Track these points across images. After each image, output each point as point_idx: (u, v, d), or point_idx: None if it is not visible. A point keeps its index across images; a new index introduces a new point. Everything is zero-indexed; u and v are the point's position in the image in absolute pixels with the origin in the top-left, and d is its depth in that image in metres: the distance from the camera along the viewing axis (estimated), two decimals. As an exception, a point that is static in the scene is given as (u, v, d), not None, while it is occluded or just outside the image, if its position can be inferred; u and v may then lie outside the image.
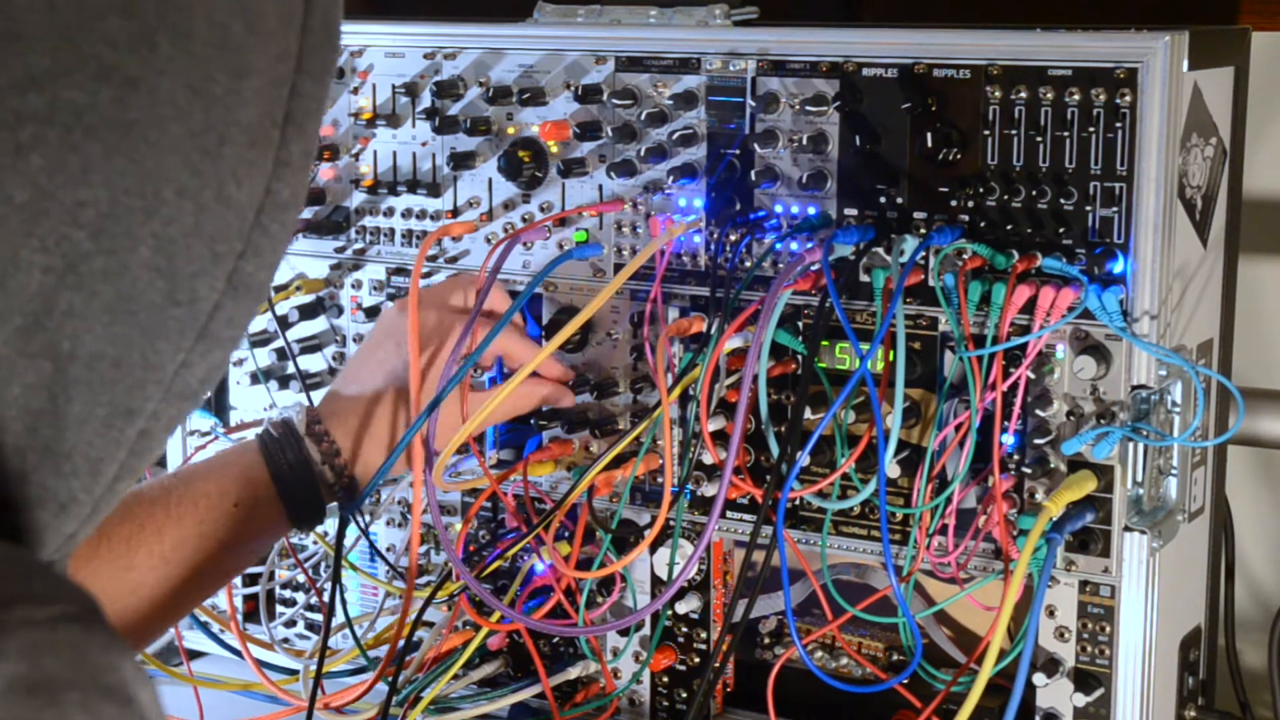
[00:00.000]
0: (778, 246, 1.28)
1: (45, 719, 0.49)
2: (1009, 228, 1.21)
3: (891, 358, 1.23)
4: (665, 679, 1.42)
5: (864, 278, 1.26)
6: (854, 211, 1.27)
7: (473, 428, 1.26)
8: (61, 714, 0.50)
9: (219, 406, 1.61)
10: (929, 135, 1.22)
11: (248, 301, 0.60)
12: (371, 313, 1.50)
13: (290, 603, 1.61)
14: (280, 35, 0.59)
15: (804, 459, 1.25)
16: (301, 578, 1.57)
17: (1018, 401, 1.21)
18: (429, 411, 1.24)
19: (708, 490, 1.34)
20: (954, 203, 1.23)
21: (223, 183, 0.58)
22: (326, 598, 1.47)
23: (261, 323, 1.54)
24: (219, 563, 1.21)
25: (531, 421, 1.40)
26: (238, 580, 1.59)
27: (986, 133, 1.21)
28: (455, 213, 1.45)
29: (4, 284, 0.54)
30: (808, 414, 1.25)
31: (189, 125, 0.56)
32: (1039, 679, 1.24)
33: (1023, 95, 1.19)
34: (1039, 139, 1.19)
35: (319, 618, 1.57)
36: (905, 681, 1.28)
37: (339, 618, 1.46)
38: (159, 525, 1.18)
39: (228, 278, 0.59)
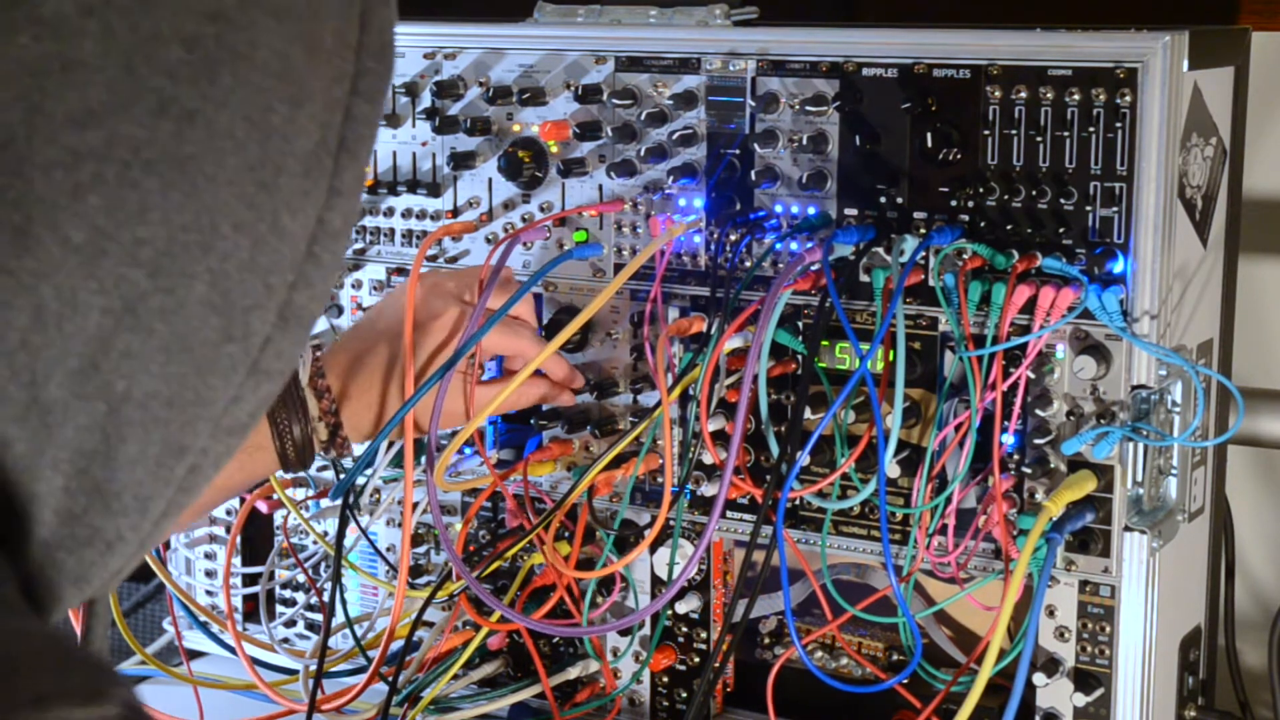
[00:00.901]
0: (778, 246, 1.28)
1: None
2: (1009, 228, 1.21)
3: (891, 358, 1.23)
4: (665, 679, 1.42)
5: (864, 278, 1.26)
6: (854, 211, 1.27)
7: (473, 428, 1.26)
8: None
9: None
10: (929, 135, 1.22)
11: (298, 333, 0.59)
12: (371, 313, 1.50)
13: (290, 603, 1.61)
14: (336, 56, 0.58)
15: (804, 459, 1.25)
16: (301, 578, 1.57)
17: (1018, 401, 1.21)
18: (417, 397, 1.24)
19: (708, 490, 1.34)
20: (954, 203, 1.23)
21: (277, 214, 0.56)
22: (326, 598, 1.48)
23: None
24: (205, 502, 1.21)
25: (531, 421, 1.40)
26: (238, 580, 1.59)
27: (986, 133, 1.21)
28: (455, 213, 1.45)
29: (61, 327, 0.53)
30: (808, 414, 1.25)
31: (246, 158, 0.55)
32: (1039, 679, 1.24)
33: (1023, 95, 1.19)
34: (1039, 139, 1.19)
35: (319, 618, 1.57)
36: (905, 681, 1.28)
37: (339, 618, 1.46)
38: None
39: (279, 310, 0.58)
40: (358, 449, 1.31)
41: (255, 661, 1.46)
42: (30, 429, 0.54)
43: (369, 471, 1.46)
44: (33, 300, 0.52)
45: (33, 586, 0.56)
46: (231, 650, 1.50)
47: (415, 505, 1.47)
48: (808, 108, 1.27)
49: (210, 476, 0.60)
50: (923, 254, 1.23)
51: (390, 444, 1.38)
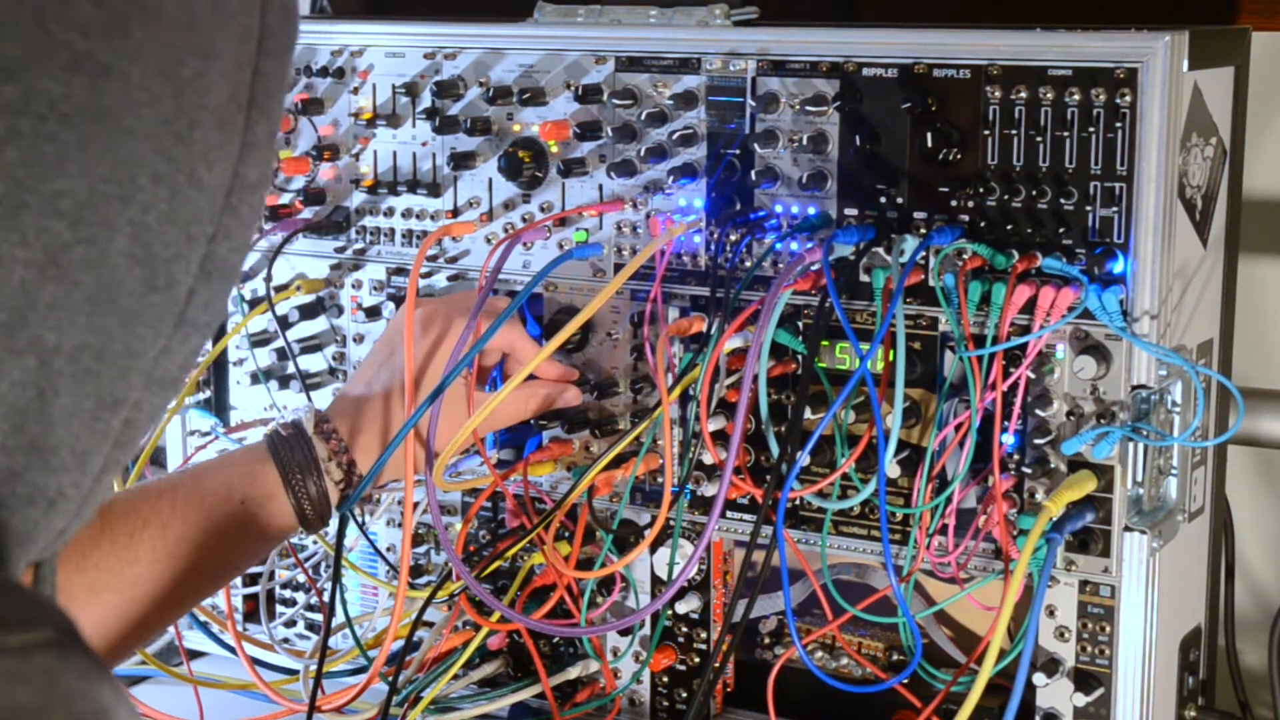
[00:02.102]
0: (778, 246, 1.28)
1: None
2: (1009, 228, 1.21)
3: (891, 358, 1.23)
4: (665, 679, 1.42)
5: (864, 278, 1.26)
6: (854, 211, 1.27)
7: (473, 427, 1.26)
8: None
9: (219, 406, 1.61)
10: (929, 135, 1.22)
11: (221, 284, 0.61)
12: (372, 313, 1.50)
13: (290, 603, 1.61)
14: (242, 13, 0.59)
15: (804, 459, 1.25)
16: (301, 578, 1.57)
17: (1018, 401, 1.21)
18: (424, 408, 1.24)
19: (708, 490, 1.34)
20: (954, 203, 1.23)
21: (194, 167, 0.58)
22: (326, 598, 1.48)
23: (261, 323, 1.54)
24: (222, 560, 1.21)
25: (531, 422, 1.40)
26: (238, 580, 1.59)
27: (986, 133, 1.21)
28: (455, 213, 1.45)
29: None
30: (808, 414, 1.25)
31: (161, 111, 0.56)
32: (1039, 679, 1.24)
33: (1023, 95, 1.19)
34: (1039, 139, 1.19)
35: (319, 618, 1.57)
36: (905, 681, 1.28)
37: (339, 618, 1.46)
38: (164, 520, 1.17)
39: (201, 262, 0.59)
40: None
41: (255, 661, 1.46)
42: None
43: (384, 496, 1.47)
44: None
45: None
46: (231, 650, 1.50)
47: (415, 505, 1.47)
48: (808, 108, 1.27)
49: (145, 430, 0.61)
50: (923, 254, 1.23)
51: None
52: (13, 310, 0.54)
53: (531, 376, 1.31)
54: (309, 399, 1.51)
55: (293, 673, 1.50)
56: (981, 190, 1.22)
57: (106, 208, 0.56)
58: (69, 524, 0.60)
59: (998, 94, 1.20)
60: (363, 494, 1.25)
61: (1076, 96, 1.17)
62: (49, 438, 0.57)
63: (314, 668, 1.37)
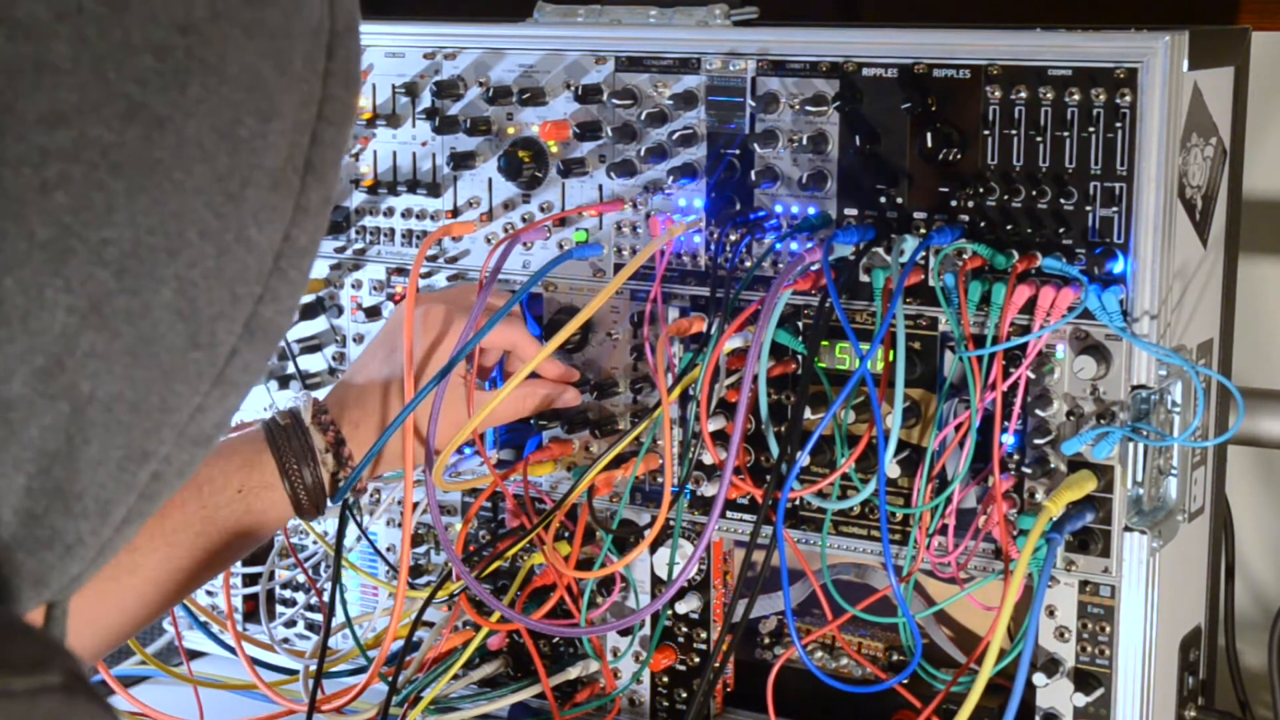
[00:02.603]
0: (778, 246, 1.28)
1: None
2: (1009, 228, 1.21)
3: (891, 358, 1.23)
4: (665, 679, 1.42)
5: (864, 278, 1.26)
6: (854, 211, 1.27)
7: (473, 426, 1.26)
8: None
9: (219, 406, 1.61)
10: (929, 135, 1.22)
11: (264, 346, 0.60)
12: (372, 313, 1.50)
13: (290, 603, 1.61)
14: (305, 79, 0.59)
15: (804, 459, 1.25)
16: (301, 578, 1.57)
17: (1018, 401, 1.21)
18: (421, 396, 1.24)
19: (708, 490, 1.34)
20: (954, 203, 1.23)
21: (244, 226, 0.57)
22: (326, 598, 1.48)
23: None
24: (220, 548, 1.21)
25: (531, 421, 1.40)
26: (238, 580, 1.59)
27: (986, 133, 1.21)
28: (455, 213, 1.45)
29: (26, 323, 0.53)
30: (808, 414, 1.25)
31: (214, 167, 0.56)
32: (1039, 679, 1.24)
33: (1023, 95, 1.19)
34: (1039, 139, 1.19)
35: (319, 618, 1.57)
36: (905, 681, 1.28)
37: (339, 618, 1.46)
38: (162, 508, 1.17)
39: (246, 322, 0.59)
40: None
41: (255, 661, 1.46)
42: None
43: (381, 486, 1.47)
44: None
45: None
46: (231, 650, 1.50)
47: (415, 505, 1.47)
48: (808, 108, 1.27)
49: (174, 486, 0.60)
50: (923, 254, 1.23)
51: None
52: (51, 355, 0.54)
53: (533, 375, 1.31)
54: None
55: (293, 673, 1.50)
56: (981, 190, 1.22)
57: (153, 259, 0.55)
58: (85, 570, 0.59)
59: (998, 94, 1.20)
60: (356, 482, 1.25)
61: (1076, 96, 1.17)
62: (74, 484, 0.57)
63: (314, 668, 1.37)
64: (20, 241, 0.53)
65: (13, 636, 0.54)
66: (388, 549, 1.53)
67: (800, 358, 1.28)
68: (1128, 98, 1.16)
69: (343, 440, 1.25)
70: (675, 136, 1.33)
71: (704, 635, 1.40)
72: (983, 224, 1.22)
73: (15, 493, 0.55)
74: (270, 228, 0.59)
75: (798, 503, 1.31)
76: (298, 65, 0.59)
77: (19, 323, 0.53)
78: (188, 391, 0.58)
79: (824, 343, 1.28)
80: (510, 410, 1.33)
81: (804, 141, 1.27)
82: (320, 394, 1.31)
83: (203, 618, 1.54)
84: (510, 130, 1.41)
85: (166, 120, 0.54)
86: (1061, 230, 1.19)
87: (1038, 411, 1.20)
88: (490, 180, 1.43)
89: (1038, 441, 1.21)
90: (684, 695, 1.41)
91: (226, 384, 0.59)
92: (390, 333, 1.31)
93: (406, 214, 1.48)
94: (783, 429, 1.29)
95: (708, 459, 1.32)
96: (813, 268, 1.25)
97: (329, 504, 1.26)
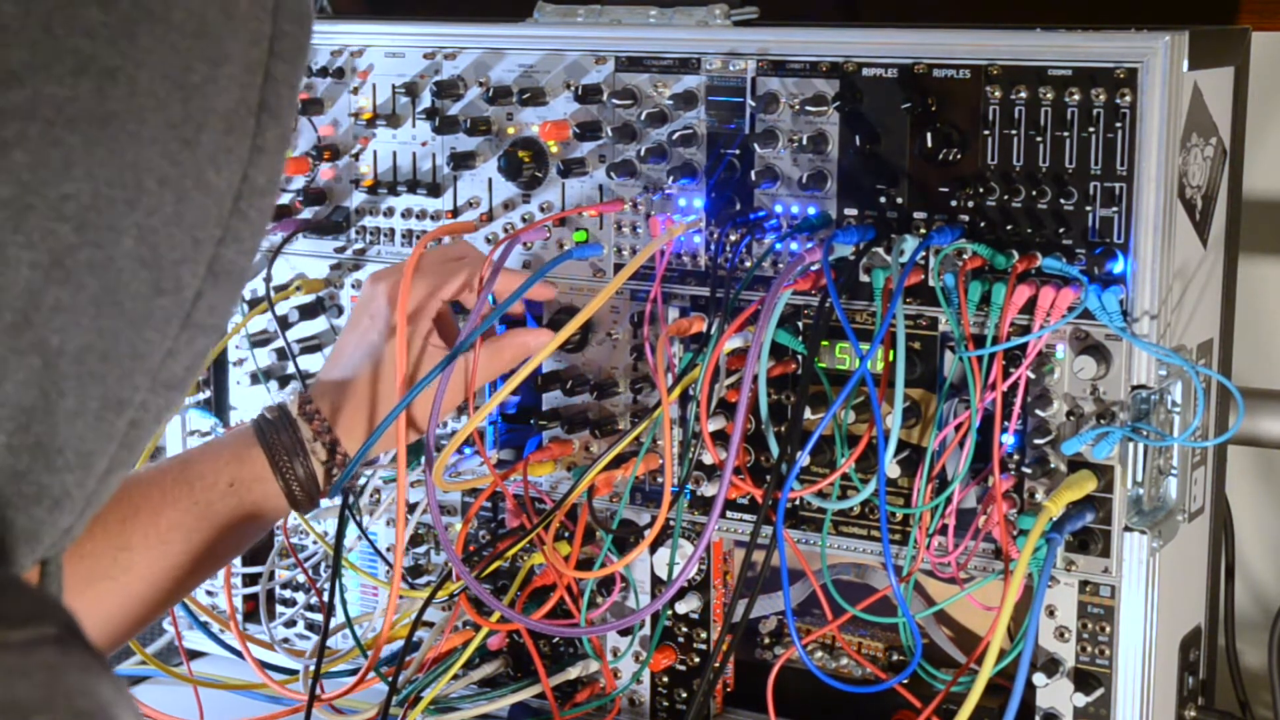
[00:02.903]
0: (778, 246, 1.28)
1: None
2: (1009, 228, 1.21)
3: (891, 358, 1.23)
4: (665, 679, 1.42)
5: (864, 278, 1.26)
6: (854, 211, 1.27)
7: (473, 426, 1.26)
8: None
9: (219, 406, 1.61)
10: (929, 135, 1.22)
11: (229, 288, 0.61)
12: (371, 313, 1.50)
13: (290, 603, 1.61)
14: (253, 18, 0.59)
15: (804, 459, 1.25)
16: (301, 578, 1.57)
17: (1018, 401, 1.21)
18: (410, 398, 1.24)
19: (708, 490, 1.34)
20: (954, 203, 1.23)
21: (202, 170, 0.58)
22: (326, 598, 1.48)
23: (261, 323, 1.54)
24: (215, 544, 1.21)
25: (532, 422, 1.40)
26: (238, 580, 1.59)
27: (986, 133, 1.21)
28: (455, 213, 1.45)
29: None
30: (808, 414, 1.25)
31: (168, 115, 0.57)
32: (1039, 679, 1.24)
33: (1023, 95, 1.19)
34: (1039, 139, 1.19)
35: (319, 618, 1.57)
36: (905, 681, 1.28)
37: (339, 618, 1.46)
38: (155, 506, 1.18)
39: (209, 264, 0.60)
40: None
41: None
42: None
43: (369, 471, 1.47)
44: None
45: None
46: (232, 650, 1.50)
47: (415, 506, 1.47)
48: (808, 108, 1.27)
49: (151, 432, 0.61)
50: (923, 254, 1.23)
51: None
52: (17, 311, 0.55)
53: (504, 325, 1.31)
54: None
55: (292, 673, 1.50)
56: (981, 190, 1.22)
57: (112, 211, 0.56)
58: (75, 522, 0.60)
59: (998, 94, 1.20)
60: (351, 475, 1.25)
61: (1076, 96, 1.17)
62: (54, 438, 0.57)
63: (314, 667, 1.37)
64: None
65: (7, 591, 0.55)
66: (388, 549, 1.53)
67: (800, 358, 1.28)
68: (1128, 98, 1.16)
69: (329, 429, 1.25)
70: (675, 136, 1.33)
71: (704, 635, 1.40)
72: (983, 224, 1.22)
73: None
74: (228, 170, 0.59)
75: (798, 503, 1.31)
76: (243, 5, 0.59)
77: None
78: (157, 337, 0.59)
79: (824, 343, 1.28)
80: (489, 371, 1.31)
81: (804, 141, 1.27)
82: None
83: (203, 617, 1.54)
84: (510, 130, 1.41)
85: (118, 71, 0.55)
86: (1061, 230, 1.19)
87: (1038, 411, 1.20)
88: (490, 180, 1.43)
89: (1038, 441, 1.21)
90: (684, 695, 1.41)
91: (194, 327, 0.60)
92: (356, 317, 1.31)
93: (406, 214, 1.48)
94: (783, 429, 1.29)
95: (708, 459, 1.32)
96: (813, 268, 1.25)
97: (327, 499, 1.26)
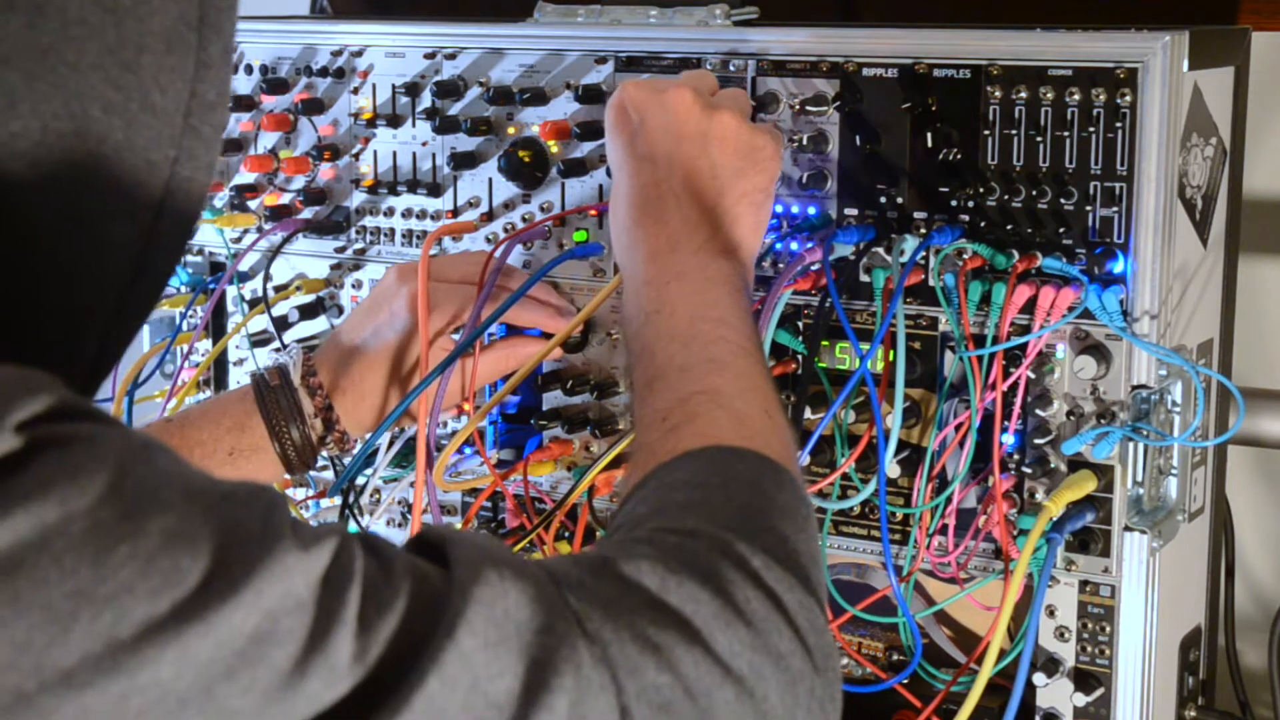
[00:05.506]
0: (778, 246, 1.28)
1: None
2: (1009, 228, 1.21)
3: (891, 358, 1.23)
4: (665, 679, 1.42)
5: (864, 278, 1.26)
6: (854, 211, 1.27)
7: (473, 426, 1.26)
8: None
9: (219, 406, 1.61)
10: (929, 135, 1.22)
11: (188, 206, 0.61)
12: (372, 313, 1.50)
13: (290, 603, 1.60)
14: None
15: (804, 459, 1.25)
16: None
17: (1018, 401, 1.21)
18: (410, 399, 1.24)
19: (708, 490, 1.34)
20: (954, 203, 1.23)
21: (147, 92, 0.58)
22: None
23: (261, 323, 1.54)
24: None
25: (531, 422, 1.40)
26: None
27: (986, 133, 1.21)
28: (455, 213, 1.45)
29: None
30: (808, 414, 1.25)
31: (103, 41, 0.56)
32: (1039, 679, 1.24)
33: (1023, 95, 1.19)
34: (1039, 139, 1.19)
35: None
36: (905, 681, 1.28)
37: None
38: None
39: (165, 184, 0.59)
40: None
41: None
42: None
43: (369, 471, 1.47)
44: None
45: None
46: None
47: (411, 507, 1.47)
48: (808, 108, 1.27)
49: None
50: (923, 254, 1.23)
51: (391, 442, 1.39)
52: None
53: (512, 332, 1.32)
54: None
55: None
56: (981, 190, 1.22)
57: (62, 144, 0.55)
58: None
59: (998, 94, 1.20)
60: (352, 476, 1.26)
61: (1076, 96, 1.17)
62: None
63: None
64: None
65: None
66: (388, 549, 1.53)
67: (800, 358, 1.28)
68: (1128, 98, 1.16)
69: (330, 405, 1.26)
70: (675, 136, 1.32)
71: (704, 635, 1.40)
72: (983, 224, 1.22)
73: None
74: (173, 89, 0.59)
75: (798, 503, 1.30)
76: None
77: None
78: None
79: (824, 343, 1.28)
80: (491, 371, 1.33)
81: (804, 141, 1.27)
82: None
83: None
84: (511, 130, 1.41)
85: (45, 5, 0.55)
86: (1061, 230, 1.19)
87: (1038, 411, 1.20)
88: (490, 180, 1.43)
89: (1038, 441, 1.21)
90: (684, 695, 1.41)
91: (155, 249, 0.61)
92: (377, 303, 1.31)
93: (407, 214, 1.48)
94: (783, 429, 1.28)
95: (708, 459, 1.32)
96: (813, 268, 1.25)
97: (326, 499, 1.26)
